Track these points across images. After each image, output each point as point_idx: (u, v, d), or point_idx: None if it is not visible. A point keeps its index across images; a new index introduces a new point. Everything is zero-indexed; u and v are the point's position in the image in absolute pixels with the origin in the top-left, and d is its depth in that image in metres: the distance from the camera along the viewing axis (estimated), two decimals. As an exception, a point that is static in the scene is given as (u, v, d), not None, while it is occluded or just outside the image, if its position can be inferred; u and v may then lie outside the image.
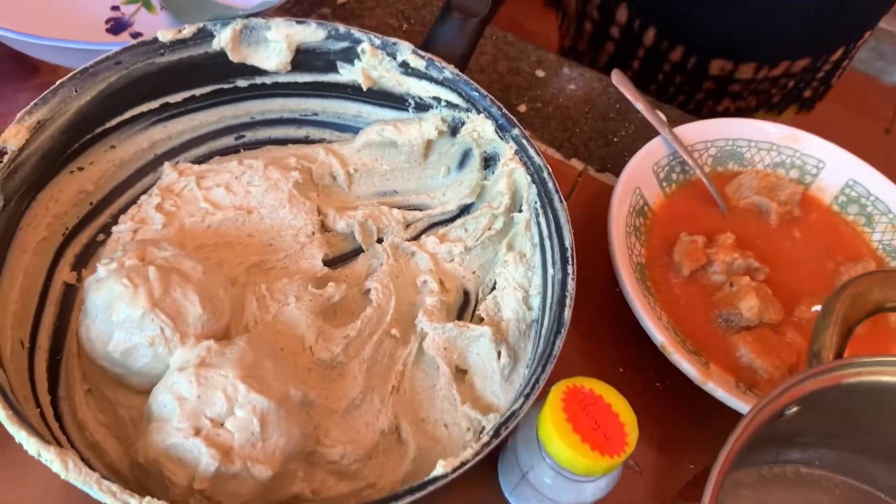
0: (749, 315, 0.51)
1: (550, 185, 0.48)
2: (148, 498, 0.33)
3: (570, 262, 0.44)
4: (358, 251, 0.53)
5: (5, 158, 0.44)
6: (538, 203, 0.49)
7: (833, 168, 0.61)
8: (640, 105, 0.59)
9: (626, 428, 0.39)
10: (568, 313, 0.43)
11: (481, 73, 0.69)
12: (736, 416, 0.47)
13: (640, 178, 0.57)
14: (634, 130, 0.67)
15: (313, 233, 0.51)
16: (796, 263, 0.56)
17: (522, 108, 0.67)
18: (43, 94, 0.46)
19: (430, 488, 0.35)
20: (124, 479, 0.41)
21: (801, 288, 0.55)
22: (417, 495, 0.35)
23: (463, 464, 0.36)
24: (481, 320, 0.49)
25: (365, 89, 0.54)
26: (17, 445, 0.38)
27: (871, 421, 0.42)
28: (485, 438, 0.37)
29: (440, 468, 0.36)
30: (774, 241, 0.57)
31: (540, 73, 0.70)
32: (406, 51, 0.52)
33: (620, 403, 0.40)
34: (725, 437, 0.36)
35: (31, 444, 0.34)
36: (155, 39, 0.50)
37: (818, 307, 0.45)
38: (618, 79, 0.60)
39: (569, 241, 0.45)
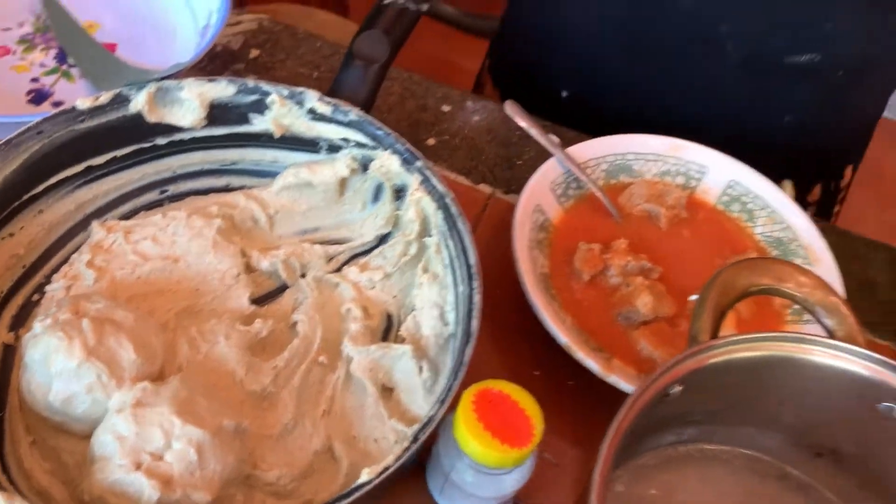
0: (645, 311, 0.57)
1: (454, 209, 0.52)
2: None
3: (475, 278, 0.49)
4: (284, 287, 0.57)
5: (-65, 231, 0.46)
6: (445, 227, 0.53)
7: (715, 172, 0.67)
8: (533, 131, 0.64)
9: (532, 421, 0.43)
10: (475, 324, 0.47)
11: (390, 112, 0.73)
12: (640, 404, 0.52)
13: (539, 196, 0.62)
14: (536, 153, 0.72)
15: (238, 274, 0.55)
16: (686, 261, 0.62)
17: (431, 141, 0.72)
18: (-32, 169, 0.49)
19: (357, 495, 0.39)
20: (74, 521, 0.43)
21: (692, 283, 0.60)
22: (345, 502, 0.38)
23: (386, 469, 0.40)
24: (403, 340, 0.53)
25: (277, 137, 0.58)
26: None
27: (749, 394, 0.48)
28: (405, 444, 0.41)
29: (365, 476, 0.40)
30: (665, 243, 0.63)
31: (446, 108, 0.75)
32: (313, 98, 0.57)
33: (527, 400, 0.44)
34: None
35: (-20, 493, 0.37)
36: (74, 108, 0.53)
37: (695, 296, 0.50)
38: (511, 109, 0.65)
39: (473, 259, 0.50)
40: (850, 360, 0.45)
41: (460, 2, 2.31)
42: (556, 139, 0.65)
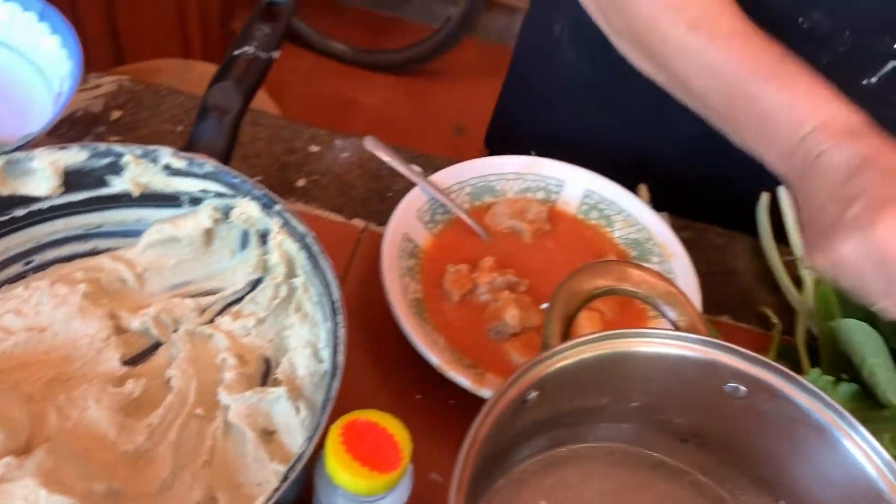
0: (513, 323, 0.59)
1: (315, 248, 0.54)
2: None
3: (339, 312, 0.51)
4: (157, 345, 0.57)
5: None
6: (309, 266, 0.55)
7: (571, 184, 0.71)
8: (395, 162, 0.67)
9: (400, 445, 0.45)
10: (341, 358, 0.48)
11: (258, 157, 0.75)
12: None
13: (407, 225, 0.64)
14: (406, 184, 0.74)
15: (108, 337, 0.55)
16: (551, 271, 0.65)
17: (301, 182, 0.73)
18: None
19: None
20: None
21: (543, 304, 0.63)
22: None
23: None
24: (280, 382, 0.54)
25: (137, 196, 0.59)
26: None
27: (605, 391, 0.51)
28: (275, 485, 0.42)
29: (234, 520, 0.40)
30: (531, 256, 0.66)
31: (314, 149, 0.76)
32: (167, 155, 0.57)
33: (394, 425, 0.46)
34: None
35: None
36: (-83, 188, 0.53)
37: (546, 305, 0.53)
38: (371, 144, 0.67)
39: (336, 294, 0.51)
40: (691, 347, 0.48)
41: (354, 40, 2.35)
42: (418, 169, 0.67)
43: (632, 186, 0.72)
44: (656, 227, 0.68)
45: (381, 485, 0.44)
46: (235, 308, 0.59)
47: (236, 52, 0.65)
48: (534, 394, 0.46)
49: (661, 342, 0.48)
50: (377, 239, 0.70)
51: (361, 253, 0.69)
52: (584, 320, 0.62)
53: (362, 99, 2.26)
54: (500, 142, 0.95)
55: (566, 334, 0.49)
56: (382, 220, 0.72)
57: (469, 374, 0.55)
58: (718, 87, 0.57)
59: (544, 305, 0.60)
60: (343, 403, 0.47)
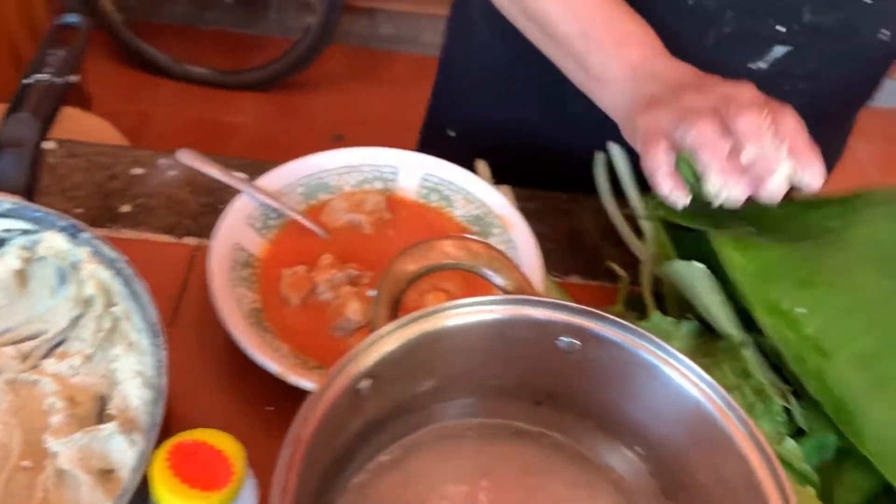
0: (356, 318, 0.58)
1: (128, 271, 0.51)
2: None
3: (159, 334, 0.48)
4: (-24, 399, 0.53)
5: None
6: (125, 291, 0.52)
7: (407, 170, 0.70)
8: (214, 172, 0.65)
9: (231, 459, 0.43)
10: (164, 381, 0.46)
11: (78, 189, 0.71)
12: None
13: (237, 234, 0.62)
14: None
15: (-86, 402, 0.50)
16: (395, 259, 0.64)
17: (126, 207, 0.70)
18: None
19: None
20: None
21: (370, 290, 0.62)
22: None
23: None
24: (113, 418, 0.51)
25: (-70, 248, 0.54)
26: None
27: (445, 367, 0.50)
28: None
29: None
30: (373, 247, 0.65)
31: (138, 171, 0.73)
32: (-41, 198, 0.53)
33: (224, 440, 0.44)
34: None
35: None
36: None
37: (373, 292, 0.52)
38: (185, 156, 0.65)
39: (153, 316, 0.49)
40: (516, 309, 0.48)
41: (219, 62, 2.28)
42: (242, 175, 0.65)
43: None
44: (496, 202, 0.68)
45: (216, 502, 0.42)
46: (60, 349, 0.56)
47: (29, 81, 0.62)
48: (366, 382, 0.46)
49: (484, 309, 0.47)
50: (213, 255, 0.68)
51: (197, 271, 0.66)
52: (433, 301, 0.62)
53: (234, 120, 2.21)
54: (432, 139, 0.94)
55: (394, 316, 0.48)
56: (218, 233, 0.69)
57: (316, 375, 0.53)
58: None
59: (371, 292, 0.59)
60: (186, 428, 0.45)
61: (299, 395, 0.57)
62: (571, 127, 0.80)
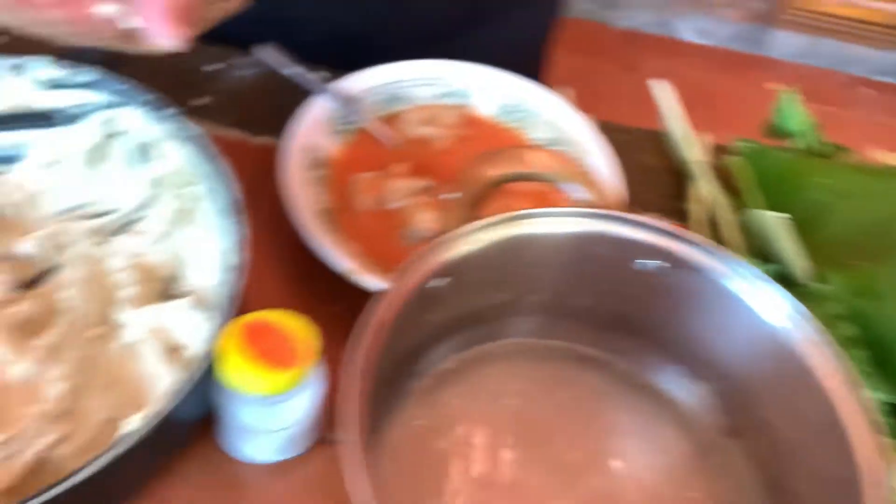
0: (430, 226, 0.57)
1: (211, 150, 0.51)
2: None
3: (240, 212, 0.48)
4: (49, 269, 0.54)
5: None
6: (207, 171, 0.52)
7: (488, 88, 0.68)
8: (290, 71, 0.63)
9: (305, 341, 0.43)
10: (245, 256, 0.46)
11: (154, 76, 0.70)
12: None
13: (312, 134, 0.61)
14: (309, 96, 0.71)
15: (-6, 265, 0.51)
16: (467, 174, 0.63)
17: (201, 101, 0.69)
18: None
19: (128, 444, 0.38)
20: None
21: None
22: (119, 451, 0.37)
23: (157, 414, 0.39)
24: (185, 295, 0.51)
25: (12, 115, 0.54)
26: None
27: (518, 278, 0.49)
28: (176, 388, 0.40)
29: (135, 422, 0.38)
30: (445, 162, 0.64)
31: (207, 68, 0.72)
32: (43, 65, 0.53)
33: (297, 323, 0.44)
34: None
35: None
36: None
37: (447, 195, 0.51)
38: (261, 52, 0.64)
39: (236, 193, 0.49)
40: (604, 224, 0.47)
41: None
42: (320, 77, 0.64)
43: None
44: (577, 128, 0.66)
45: (284, 382, 0.42)
46: (132, 226, 0.56)
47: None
48: (440, 281, 0.45)
49: (569, 220, 0.46)
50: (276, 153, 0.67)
51: (268, 170, 0.65)
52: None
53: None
54: None
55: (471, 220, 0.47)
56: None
57: (385, 278, 0.53)
58: None
59: (448, 195, 0.58)
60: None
61: (366, 296, 0.57)
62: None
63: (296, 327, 0.43)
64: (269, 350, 0.42)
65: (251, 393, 0.42)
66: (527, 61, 0.83)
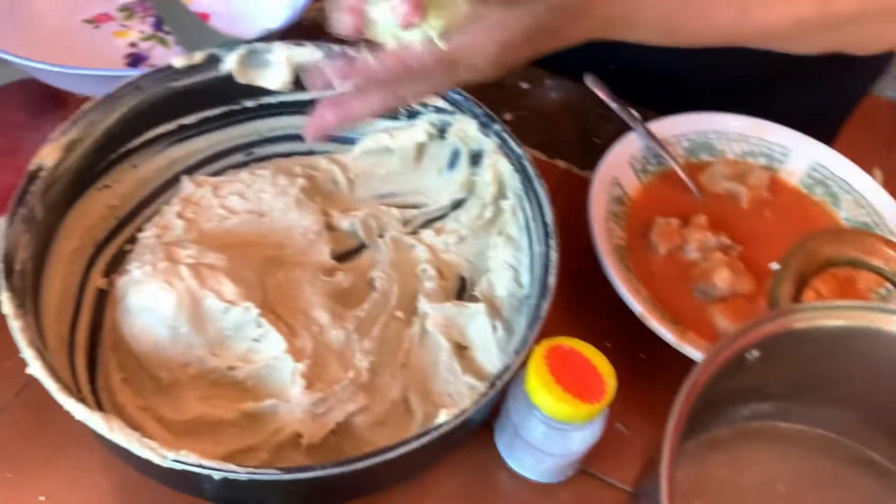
0: (723, 286, 0.56)
1: (531, 171, 0.53)
2: (184, 451, 0.38)
3: (552, 236, 0.49)
4: (362, 247, 0.59)
5: (42, 174, 0.49)
6: (521, 189, 0.54)
7: (798, 153, 0.65)
8: (614, 104, 0.64)
9: (605, 378, 0.43)
10: (552, 280, 0.47)
11: (470, 89, 0.74)
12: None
13: (617, 169, 0.62)
14: (614, 131, 0.71)
15: (319, 231, 0.56)
16: (767, 241, 0.61)
17: (508, 116, 0.72)
18: (73, 117, 0.52)
19: (434, 434, 0.40)
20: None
21: (772, 262, 0.59)
22: (424, 440, 0.39)
23: (462, 412, 0.41)
24: (478, 300, 0.54)
25: (361, 101, 0.60)
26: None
27: (830, 367, 0.46)
28: (483, 391, 0.42)
29: (443, 416, 0.40)
30: (746, 222, 0.62)
31: (524, 86, 0.75)
32: (397, 65, 0.58)
33: (599, 359, 0.44)
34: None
35: (78, 410, 0.39)
36: (169, 66, 0.56)
37: (777, 265, 0.49)
38: (592, 82, 0.65)
39: (550, 218, 0.50)
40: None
41: None
42: (636, 114, 0.64)
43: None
44: (891, 212, 0.62)
45: (582, 414, 0.42)
46: (438, 224, 0.60)
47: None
48: (755, 353, 0.43)
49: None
50: (577, 183, 0.68)
51: (561, 192, 0.67)
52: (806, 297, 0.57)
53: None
54: None
55: (798, 297, 0.45)
56: (585, 164, 0.70)
57: (671, 328, 0.52)
58: None
59: (775, 265, 0.56)
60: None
61: (639, 341, 0.57)
62: None
63: (599, 362, 0.44)
64: (577, 379, 0.43)
65: (551, 415, 0.43)
66: (826, 131, 0.79)
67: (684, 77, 0.74)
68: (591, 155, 0.70)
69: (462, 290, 0.57)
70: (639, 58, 0.73)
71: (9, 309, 0.42)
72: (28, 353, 0.41)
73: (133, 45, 0.71)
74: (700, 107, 0.67)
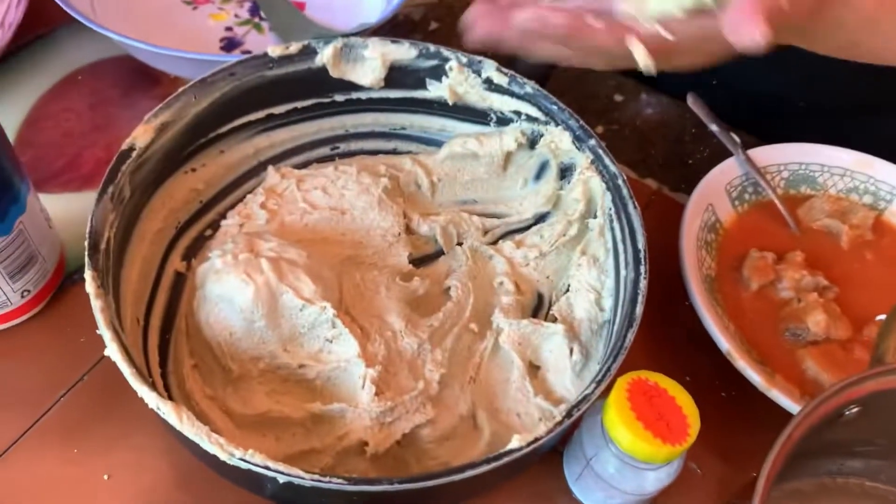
0: (816, 330, 0.53)
1: (625, 191, 0.51)
2: (251, 450, 0.37)
3: (643, 262, 0.47)
4: (439, 253, 0.57)
5: (134, 154, 0.49)
6: (612, 209, 0.52)
7: (907, 195, 0.61)
8: (714, 127, 0.61)
9: (689, 419, 0.41)
10: (639, 310, 0.45)
11: (560, 95, 0.72)
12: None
13: (713, 195, 0.59)
14: (709, 154, 0.69)
15: (399, 233, 0.55)
16: (867, 285, 0.57)
17: (599, 129, 0.70)
18: (167, 100, 0.52)
19: (505, 459, 0.38)
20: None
21: (871, 308, 0.55)
22: (494, 464, 0.38)
23: (537, 439, 0.39)
24: (555, 320, 0.52)
25: (451, 104, 0.58)
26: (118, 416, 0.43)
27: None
28: (558, 418, 0.40)
29: (515, 442, 0.39)
30: (845, 263, 0.58)
31: (618, 98, 0.73)
32: (490, 68, 0.56)
33: (684, 397, 0.42)
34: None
35: (151, 398, 0.39)
36: (265, 54, 0.55)
37: (882, 316, 0.46)
38: (693, 101, 0.62)
39: (642, 243, 0.48)
40: None
41: None
42: (737, 139, 0.61)
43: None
44: None
45: (662, 455, 0.40)
46: (518, 237, 0.58)
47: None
48: (854, 410, 0.40)
49: None
50: (668, 205, 0.65)
51: (650, 214, 0.64)
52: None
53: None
54: None
55: (905, 355, 0.42)
56: (676, 186, 0.67)
57: (758, 370, 0.49)
58: None
59: (881, 316, 0.53)
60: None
61: (721, 379, 0.54)
62: None
63: (684, 401, 0.42)
64: (660, 417, 0.40)
65: (629, 453, 0.41)
66: None
67: (787, 98, 0.71)
68: (683, 177, 0.67)
69: (538, 309, 0.55)
70: (743, 74, 0.69)
71: (91, 288, 0.42)
72: (106, 333, 0.41)
73: (229, 28, 0.71)
74: (800, 131, 0.64)
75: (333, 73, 0.57)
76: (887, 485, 0.48)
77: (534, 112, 0.56)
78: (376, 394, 0.45)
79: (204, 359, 0.48)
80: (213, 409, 0.47)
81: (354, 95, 0.59)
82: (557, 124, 0.55)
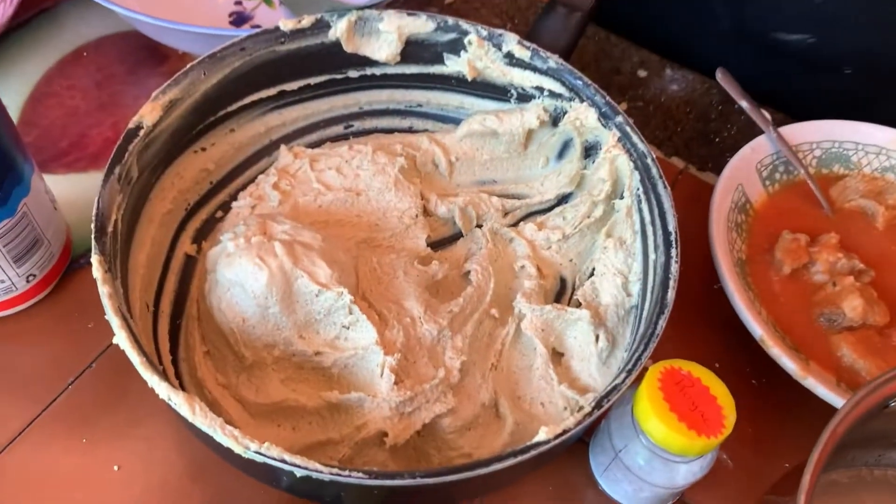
0: (852, 315, 0.50)
1: (654, 171, 0.48)
2: (267, 443, 0.35)
3: (674, 245, 0.45)
4: (458, 235, 0.55)
5: (141, 133, 0.47)
6: (641, 189, 0.49)
7: (946, 173, 0.59)
8: (745, 103, 0.59)
9: (724, 411, 0.39)
10: (671, 295, 0.43)
11: (583, 70, 0.69)
12: (837, 414, 0.46)
13: (743, 175, 0.56)
14: (737, 132, 0.66)
15: (417, 215, 0.53)
16: (904, 268, 0.55)
17: (623, 106, 0.68)
18: (175, 76, 0.50)
19: (532, 453, 0.36)
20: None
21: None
22: (520, 458, 0.36)
23: (565, 431, 0.37)
24: (579, 305, 0.50)
25: (470, 80, 0.56)
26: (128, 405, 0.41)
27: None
28: (587, 409, 0.38)
29: (542, 434, 0.37)
30: (881, 245, 0.56)
31: (642, 74, 0.70)
32: (512, 41, 0.54)
33: (719, 387, 0.40)
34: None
35: (161, 388, 0.37)
36: (276, 28, 0.53)
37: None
38: (722, 77, 0.60)
39: (672, 225, 0.46)
40: None
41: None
42: (768, 115, 0.59)
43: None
44: None
45: (696, 448, 0.38)
46: (540, 218, 0.56)
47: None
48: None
49: None
50: (694, 184, 0.63)
51: (676, 195, 0.61)
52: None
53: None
54: None
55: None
56: (704, 165, 0.64)
57: (793, 356, 0.47)
58: None
59: None
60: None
61: (752, 365, 0.52)
62: None
63: (719, 391, 0.40)
64: (694, 408, 0.38)
65: (661, 445, 0.39)
66: None
67: (824, 65, 0.67)
68: (711, 156, 0.65)
69: (561, 293, 0.53)
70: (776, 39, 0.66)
71: (98, 273, 0.40)
72: (114, 320, 0.39)
73: (238, 2, 0.69)
74: (837, 107, 0.61)
75: (347, 48, 0.55)
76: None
77: (557, 88, 0.54)
78: (395, 382, 0.43)
79: (216, 345, 0.47)
80: (226, 398, 0.45)
81: (369, 71, 0.57)
82: (582, 100, 0.53)
